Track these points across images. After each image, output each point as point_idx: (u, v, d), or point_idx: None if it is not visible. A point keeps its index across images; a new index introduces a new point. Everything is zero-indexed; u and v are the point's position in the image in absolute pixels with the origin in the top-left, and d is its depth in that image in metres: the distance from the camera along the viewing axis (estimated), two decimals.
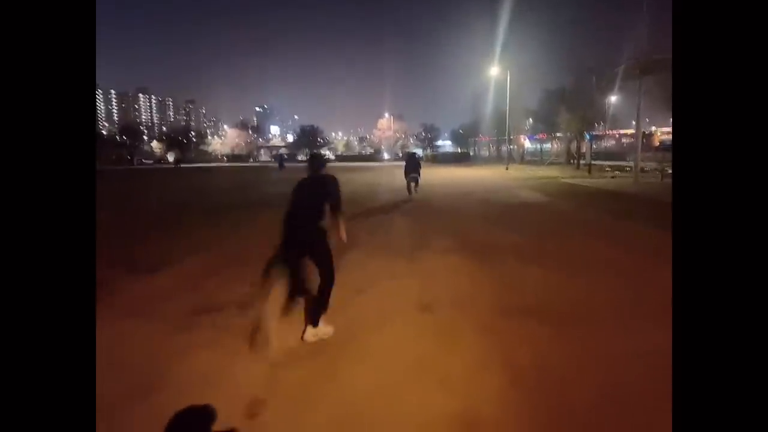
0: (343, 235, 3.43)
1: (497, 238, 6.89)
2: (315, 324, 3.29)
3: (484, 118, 51.21)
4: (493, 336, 3.28)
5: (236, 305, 3.98)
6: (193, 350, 3.11)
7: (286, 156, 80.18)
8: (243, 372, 2.80)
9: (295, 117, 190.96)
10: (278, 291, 3.70)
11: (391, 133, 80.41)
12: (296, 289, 3.61)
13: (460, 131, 70.25)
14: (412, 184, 12.76)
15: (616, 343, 3.13)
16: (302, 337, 3.27)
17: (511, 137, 41.17)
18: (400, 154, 67.76)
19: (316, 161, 3.54)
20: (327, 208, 3.28)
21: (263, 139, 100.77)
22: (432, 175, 24.50)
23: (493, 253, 5.81)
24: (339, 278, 4.78)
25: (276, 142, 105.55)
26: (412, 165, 12.86)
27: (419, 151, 69.58)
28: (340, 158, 77.67)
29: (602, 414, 2.32)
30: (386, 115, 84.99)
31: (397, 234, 7.45)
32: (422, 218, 9.09)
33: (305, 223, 3.25)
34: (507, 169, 29.15)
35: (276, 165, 38.50)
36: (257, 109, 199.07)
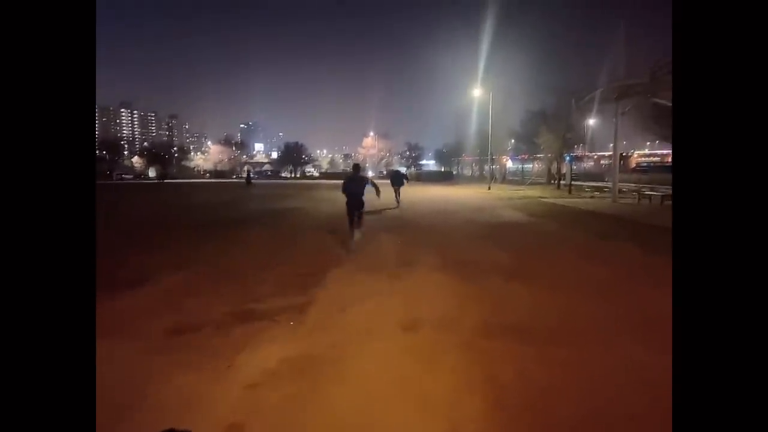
0: (379, 197, 8.77)
1: (481, 256, 6.93)
2: (354, 236, 7.76)
3: (468, 138, 52.02)
4: (477, 355, 3.26)
5: (215, 325, 3.89)
6: (171, 371, 3.00)
7: (269, 173, 79.88)
8: (222, 394, 2.71)
9: (280, 134, 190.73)
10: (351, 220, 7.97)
11: (375, 151, 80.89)
12: (353, 223, 7.88)
13: (444, 150, 71.22)
14: (397, 193, 16.56)
15: (600, 362, 3.14)
16: (351, 246, 7.53)
17: (494, 157, 41.87)
18: (384, 172, 68.40)
19: (358, 168, 8.38)
20: (365, 190, 7.80)
21: (247, 155, 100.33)
22: (416, 194, 24.62)
23: (477, 272, 5.83)
24: (322, 296, 4.75)
25: (260, 158, 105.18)
26: (398, 179, 17.02)
27: (403, 169, 71.26)
28: (324, 175, 77.65)
29: None
30: (371, 133, 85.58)
31: (381, 252, 7.42)
32: (406, 237, 9.09)
33: (355, 198, 7.66)
34: (489, 188, 29.52)
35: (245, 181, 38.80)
36: (242, 125, 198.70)
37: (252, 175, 43.38)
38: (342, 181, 8.04)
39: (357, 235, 7.80)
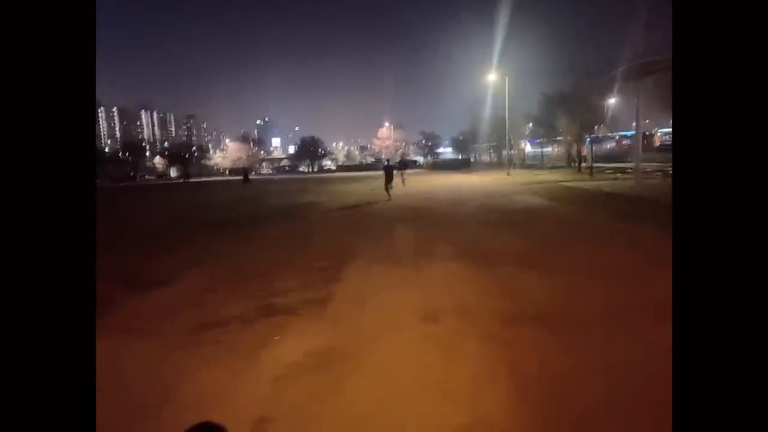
0: (404, 181, 22.15)
1: (500, 244, 6.86)
2: (389, 195, 15.91)
3: (484, 124, 51.28)
4: (499, 345, 3.24)
5: (239, 320, 3.97)
6: (196, 368, 3.08)
7: (287, 167, 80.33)
8: (247, 389, 2.77)
9: (296, 128, 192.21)
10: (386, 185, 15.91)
11: (391, 141, 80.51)
12: (388, 188, 16.39)
13: (461, 138, 70.49)
14: (403, 178, 22.18)
15: (624, 351, 3.08)
16: (389, 197, 15.61)
17: (512, 142, 41.17)
18: (399, 161, 68.75)
19: (388, 161, 20.67)
20: (394, 172, 17.82)
21: (265, 151, 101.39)
22: (432, 182, 24.52)
23: (496, 260, 5.77)
24: (342, 289, 4.78)
25: (277, 153, 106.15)
26: (403, 166, 24.41)
27: (420, 158, 71.85)
28: (341, 168, 77.85)
29: (612, 423, 2.28)
30: (386, 124, 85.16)
31: (398, 242, 7.43)
32: (423, 226, 9.07)
33: (389, 175, 16.89)
34: (508, 174, 29.09)
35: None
36: (258, 122, 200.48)
37: (251, 173, 40.12)
38: (382, 169, 17.42)
39: (390, 194, 15.53)
